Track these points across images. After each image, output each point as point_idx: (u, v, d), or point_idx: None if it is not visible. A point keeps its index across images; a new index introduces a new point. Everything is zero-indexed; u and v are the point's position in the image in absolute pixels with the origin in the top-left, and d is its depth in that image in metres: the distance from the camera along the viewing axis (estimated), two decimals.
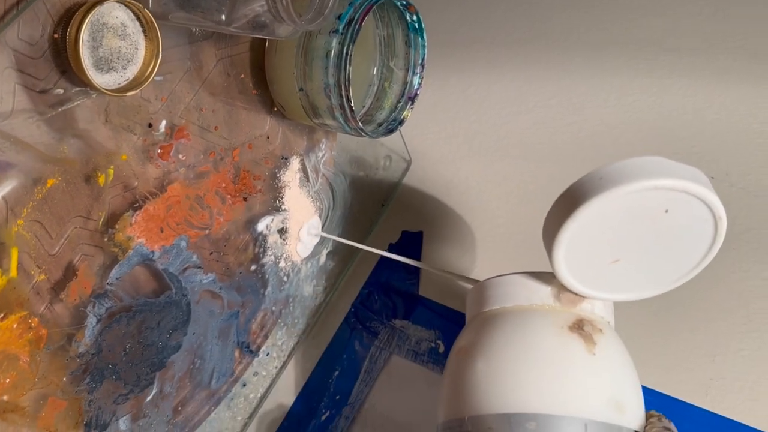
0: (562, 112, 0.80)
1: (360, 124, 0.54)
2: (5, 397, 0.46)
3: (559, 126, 0.79)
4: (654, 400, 0.60)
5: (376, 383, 0.69)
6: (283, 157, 0.63)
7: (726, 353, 0.61)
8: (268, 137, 0.61)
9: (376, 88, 0.63)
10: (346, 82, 0.51)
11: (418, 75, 0.60)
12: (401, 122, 0.61)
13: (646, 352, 0.63)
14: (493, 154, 0.81)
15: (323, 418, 0.68)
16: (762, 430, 0.58)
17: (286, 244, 0.66)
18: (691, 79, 0.77)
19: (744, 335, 0.62)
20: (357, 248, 0.67)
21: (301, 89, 0.54)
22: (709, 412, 0.59)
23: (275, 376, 0.70)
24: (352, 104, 0.52)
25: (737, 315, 0.63)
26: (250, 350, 0.66)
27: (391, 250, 0.78)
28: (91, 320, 0.49)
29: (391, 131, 0.60)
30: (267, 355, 0.69)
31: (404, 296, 0.74)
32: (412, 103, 0.61)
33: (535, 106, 0.82)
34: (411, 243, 0.78)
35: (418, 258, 0.77)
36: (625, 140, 0.76)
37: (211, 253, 0.58)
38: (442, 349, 0.69)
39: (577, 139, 0.78)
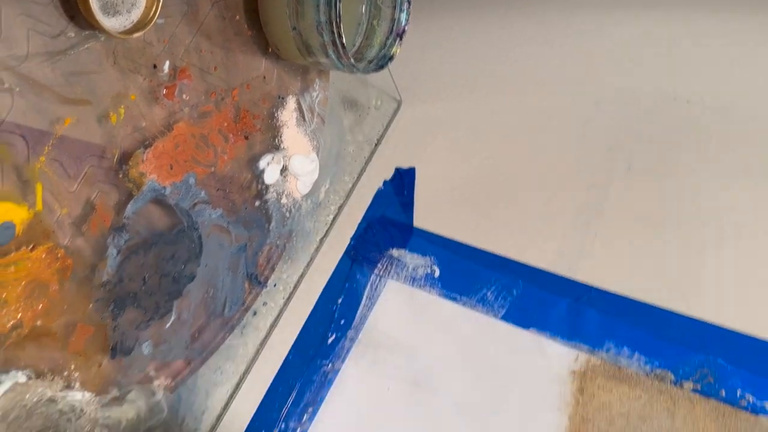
0: (544, 47, 0.83)
1: (352, 60, 0.57)
2: (39, 323, 0.50)
3: (542, 61, 0.82)
4: (636, 309, 0.65)
5: (376, 306, 0.74)
6: (279, 97, 0.66)
7: (701, 262, 0.66)
8: (264, 78, 0.64)
9: (365, 26, 0.65)
10: (338, 19, 0.54)
11: (405, 11, 0.63)
12: (391, 58, 0.64)
13: (630, 263, 0.67)
14: (479, 92, 0.85)
15: (329, 341, 0.73)
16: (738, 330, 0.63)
17: (287, 181, 0.70)
18: (665, 9, 0.79)
19: (718, 246, 0.66)
20: (354, 185, 0.70)
21: (294, 28, 0.57)
22: (685, 316, 0.64)
23: (282, 306, 0.75)
24: (344, 40, 0.55)
25: (713, 228, 0.67)
26: (258, 281, 0.70)
27: (385, 185, 0.82)
28: (112, 251, 0.53)
29: (381, 67, 0.63)
30: (274, 286, 0.73)
31: (400, 227, 0.78)
32: (401, 40, 0.64)
33: (518, 43, 0.85)
34: (404, 179, 0.82)
35: (411, 192, 0.80)
36: (605, 70, 0.79)
37: (217, 190, 0.62)
38: (437, 273, 0.73)
39: (559, 72, 0.81)
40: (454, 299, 0.71)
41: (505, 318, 0.68)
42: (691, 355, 0.62)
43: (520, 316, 0.68)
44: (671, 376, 0.62)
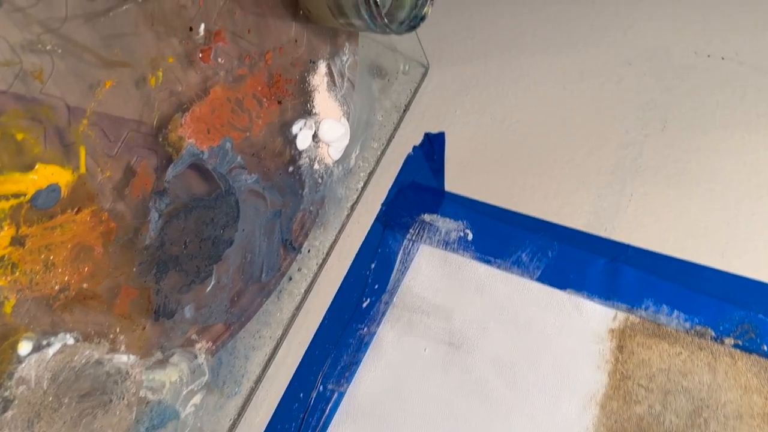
0: (574, 6, 0.82)
1: (385, 20, 0.57)
2: (84, 285, 0.51)
3: (572, 20, 0.81)
4: (674, 266, 0.65)
5: (410, 271, 0.74)
6: (311, 61, 0.66)
7: (738, 218, 0.65)
8: (296, 41, 0.63)
9: None
10: None
11: None
12: (423, 18, 0.63)
13: (667, 221, 0.67)
14: (508, 53, 0.83)
15: (364, 305, 0.73)
16: None
17: (319, 147, 0.70)
18: None
19: (755, 201, 0.65)
20: (383, 151, 0.70)
21: None
22: (725, 272, 0.63)
23: (317, 272, 0.75)
24: None
25: (749, 184, 0.66)
26: (293, 247, 0.70)
27: (415, 151, 0.81)
28: (154, 215, 0.53)
29: (413, 27, 0.62)
30: (308, 252, 0.74)
31: (431, 192, 0.78)
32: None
33: (547, 3, 0.84)
34: (434, 144, 0.81)
35: (441, 157, 0.80)
36: (636, 29, 0.77)
37: (252, 155, 0.62)
38: (470, 237, 0.73)
39: (590, 31, 0.80)
40: (488, 262, 0.71)
41: (541, 279, 0.68)
42: (731, 310, 0.62)
43: (556, 277, 0.68)
44: (711, 333, 0.61)
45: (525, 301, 0.68)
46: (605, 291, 0.66)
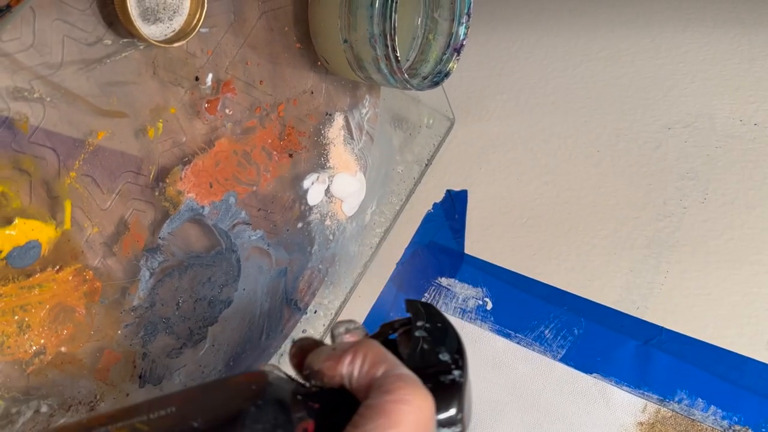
0: (612, 65, 0.78)
1: (405, 75, 0.53)
2: (63, 349, 0.47)
3: (609, 80, 0.77)
4: (713, 354, 0.59)
5: None
6: (327, 114, 0.62)
7: None
8: (312, 93, 0.60)
9: (420, 40, 0.61)
10: (392, 31, 0.50)
11: (464, 25, 0.58)
12: (447, 74, 0.59)
13: (706, 303, 0.61)
14: (539, 111, 0.79)
15: None
16: None
17: (332, 202, 0.66)
18: (745, 26, 0.73)
19: None
20: (402, 207, 0.66)
21: (345, 41, 0.53)
22: None
23: (322, 335, 0.71)
24: (398, 54, 0.51)
25: None
26: (298, 307, 0.66)
27: (435, 208, 0.77)
28: (144, 274, 0.49)
29: (436, 84, 0.59)
30: (315, 312, 0.69)
31: (450, 254, 0.73)
32: (458, 55, 0.59)
33: (582, 60, 0.80)
34: (455, 202, 0.77)
35: (463, 216, 0.75)
36: (678, 91, 0.73)
37: (258, 210, 0.58)
38: (489, 306, 0.68)
39: (628, 92, 0.75)
40: (507, 336, 0.66)
41: (565, 360, 0.62)
42: None
43: (581, 358, 0.62)
44: None
45: (546, 384, 0.62)
46: (635, 378, 0.60)
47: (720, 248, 0.63)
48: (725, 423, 0.56)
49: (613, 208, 0.69)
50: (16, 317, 0.43)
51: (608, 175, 0.71)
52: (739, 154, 0.67)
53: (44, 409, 0.46)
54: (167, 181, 0.49)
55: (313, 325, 0.70)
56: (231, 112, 0.53)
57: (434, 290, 0.72)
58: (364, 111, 0.67)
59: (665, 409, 0.58)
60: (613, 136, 0.73)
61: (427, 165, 0.81)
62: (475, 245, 0.73)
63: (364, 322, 0.72)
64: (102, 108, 0.44)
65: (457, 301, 0.70)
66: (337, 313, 0.72)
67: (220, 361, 0.59)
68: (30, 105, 0.40)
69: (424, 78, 0.60)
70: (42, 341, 0.45)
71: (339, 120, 0.64)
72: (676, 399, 0.58)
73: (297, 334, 0.67)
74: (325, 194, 0.65)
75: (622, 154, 0.71)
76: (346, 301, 0.73)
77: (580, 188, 0.71)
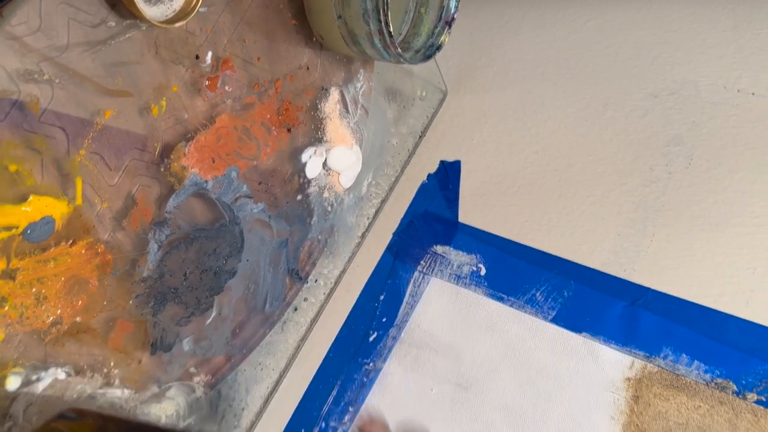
0: (599, 36, 0.79)
1: (399, 50, 0.55)
2: (78, 319, 0.49)
3: (597, 50, 0.78)
4: (696, 313, 0.61)
5: (419, 305, 0.72)
6: (323, 88, 0.64)
7: (766, 265, 0.61)
8: (308, 68, 0.62)
9: (412, 14, 0.63)
10: (385, 6, 0.52)
11: None
12: (439, 47, 0.61)
13: (690, 264, 0.64)
14: (529, 82, 0.81)
15: (371, 339, 0.71)
16: None
17: (329, 175, 0.68)
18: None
19: None
20: (397, 178, 0.68)
21: (339, 17, 0.55)
22: (750, 322, 0.60)
23: (323, 302, 0.73)
24: (391, 29, 0.53)
25: None
26: (299, 277, 0.68)
27: (429, 179, 0.79)
28: (153, 246, 0.52)
29: (429, 57, 0.60)
30: (315, 281, 0.72)
31: (444, 223, 0.76)
32: (450, 28, 0.61)
33: (570, 31, 0.81)
34: (449, 172, 0.79)
35: (456, 186, 0.78)
36: (663, 60, 0.75)
37: (259, 184, 0.60)
38: (483, 272, 0.71)
39: (615, 61, 0.77)
40: (500, 299, 0.69)
41: (556, 321, 0.65)
42: (755, 363, 0.58)
43: (571, 319, 0.65)
44: (733, 386, 0.58)
45: (538, 344, 0.65)
46: (623, 336, 0.63)
47: (704, 212, 0.66)
48: (708, 377, 0.59)
49: (601, 175, 0.71)
50: (34, 289, 0.45)
51: (596, 143, 0.73)
52: (723, 120, 0.70)
53: (62, 376, 0.49)
54: (172, 157, 0.51)
55: (314, 294, 0.72)
56: (230, 89, 0.54)
57: (430, 258, 0.74)
58: (358, 85, 0.68)
59: (651, 365, 0.61)
60: (601, 105, 0.75)
61: (420, 137, 0.83)
62: (468, 214, 0.76)
63: (362, 290, 0.74)
64: (108, 88, 0.46)
65: (452, 268, 0.73)
66: (336, 283, 0.75)
67: (226, 328, 0.61)
68: (39, 86, 0.42)
69: (417, 51, 0.62)
70: (58, 312, 0.47)
71: (334, 94, 0.65)
72: (662, 355, 0.61)
73: (299, 302, 0.70)
74: (323, 167, 0.67)
75: (610, 122, 0.73)
76: (345, 270, 0.76)
77: (569, 156, 0.73)
